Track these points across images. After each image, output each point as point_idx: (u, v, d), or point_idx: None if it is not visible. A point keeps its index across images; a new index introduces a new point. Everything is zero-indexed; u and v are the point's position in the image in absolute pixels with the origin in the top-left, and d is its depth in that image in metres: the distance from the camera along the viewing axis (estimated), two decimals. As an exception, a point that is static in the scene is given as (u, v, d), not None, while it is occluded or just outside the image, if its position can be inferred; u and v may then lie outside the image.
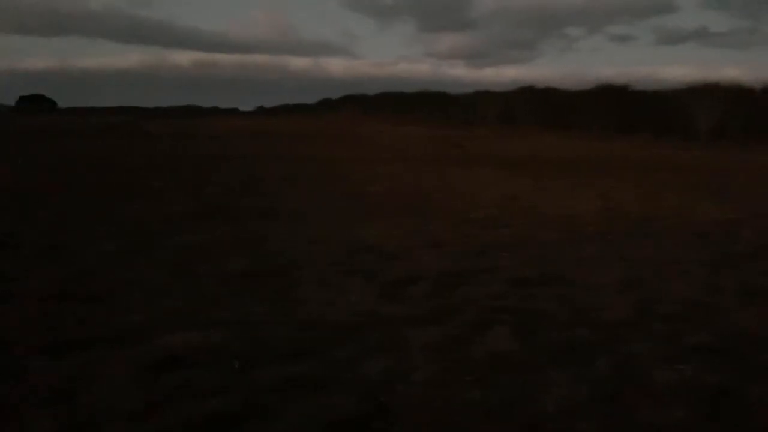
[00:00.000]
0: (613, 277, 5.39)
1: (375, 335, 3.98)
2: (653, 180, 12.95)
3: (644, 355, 3.62)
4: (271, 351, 3.72)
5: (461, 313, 4.39)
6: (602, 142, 22.73)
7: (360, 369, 3.45)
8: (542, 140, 24.27)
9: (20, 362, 3.54)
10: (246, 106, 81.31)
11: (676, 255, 6.25)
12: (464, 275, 5.46)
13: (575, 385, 3.21)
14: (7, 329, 4.07)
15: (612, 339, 3.89)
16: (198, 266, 5.77)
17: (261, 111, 74.18)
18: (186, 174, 14.01)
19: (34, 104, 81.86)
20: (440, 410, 3.00)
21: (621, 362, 3.51)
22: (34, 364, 3.52)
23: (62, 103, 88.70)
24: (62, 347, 3.76)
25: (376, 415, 2.96)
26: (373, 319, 4.30)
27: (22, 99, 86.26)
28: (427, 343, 3.81)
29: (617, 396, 3.12)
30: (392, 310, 4.48)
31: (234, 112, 77.15)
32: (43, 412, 2.94)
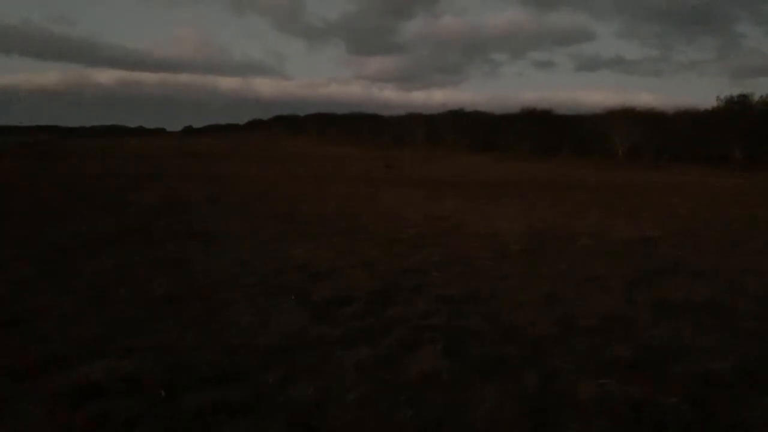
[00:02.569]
0: (537, 294, 5.54)
1: (305, 357, 3.92)
2: (574, 199, 13.48)
3: (568, 369, 3.72)
4: (196, 377, 3.59)
5: (392, 332, 4.39)
6: (526, 164, 23.51)
7: (290, 392, 3.37)
8: (469, 161, 24.88)
9: None
10: (173, 126, 79.25)
11: (596, 271, 6.49)
12: (394, 294, 5.47)
13: (503, 401, 3.26)
14: None
15: (537, 354, 3.99)
16: (118, 290, 5.52)
17: (189, 131, 72.40)
18: (108, 195, 13.46)
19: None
20: (372, 431, 2.97)
21: (547, 377, 3.60)
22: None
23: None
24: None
25: (306, 438, 2.90)
26: (303, 341, 4.24)
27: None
28: (359, 363, 3.78)
29: (544, 410, 3.18)
30: (323, 331, 4.43)
31: (161, 132, 74.97)
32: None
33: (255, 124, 60.74)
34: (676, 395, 3.35)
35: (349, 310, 4.97)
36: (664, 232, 9.12)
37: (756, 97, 25.75)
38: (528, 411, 3.16)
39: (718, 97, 24.40)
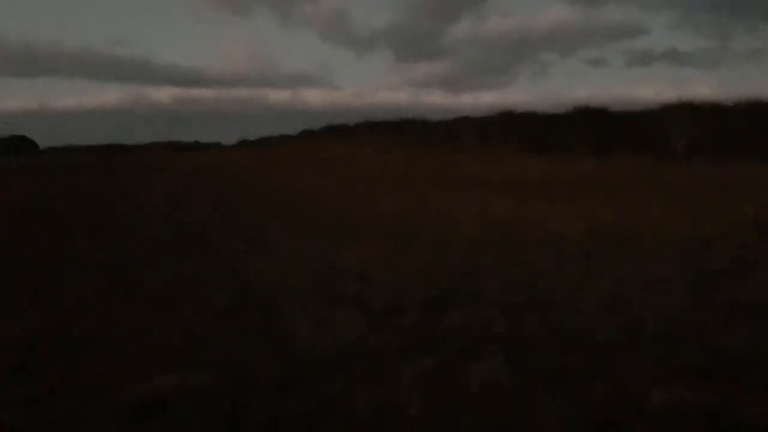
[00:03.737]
0: (599, 298, 5.36)
1: (365, 367, 3.90)
2: (633, 198, 13.06)
3: (637, 377, 3.58)
4: (259, 390, 3.62)
5: (451, 341, 4.33)
6: (581, 163, 22.98)
7: (351, 403, 3.36)
8: (522, 163, 24.48)
9: (8, 413, 3.41)
10: (228, 140, 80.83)
11: (661, 273, 6.25)
12: (451, 301, 5.41)
13: (570, 412, 3.15)
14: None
15: (603, 362, 3.85)
16: (180, 303, 5.65)
17: (244, 144, 73.90)
18: (164, 209, 13.84)
19: (15, 145, 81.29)
20: (434, 444, 2.92)
21: (614, 385, 3.46)
22: (19, 415, 3.40)
23: (43, 143, 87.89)
24: (46, 397, 3.65)
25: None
26: (361, 351, 4.22)
27: (1, 141, 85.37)
28: (418, 374, 3.74)
29: (613, 421, 3.06)
30: (381, 341, 4.41)
31: (216, 146, 76.79)
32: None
33: (306, 134, 61.40)
34: (757, 405, 3.17)
35: (406, 318, 4.93)
36: (729, 230, 8.72)
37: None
38: (597, 423, 3.05)
39: (783, 85, 23.15)
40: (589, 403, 3.26)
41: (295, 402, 3.40)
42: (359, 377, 3.74)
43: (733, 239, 8.05)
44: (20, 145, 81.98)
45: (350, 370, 3.87)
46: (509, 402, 3.32)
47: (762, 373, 3.61)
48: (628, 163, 21.93)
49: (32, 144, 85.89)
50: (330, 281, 6.28)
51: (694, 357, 3.87)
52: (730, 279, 5.94)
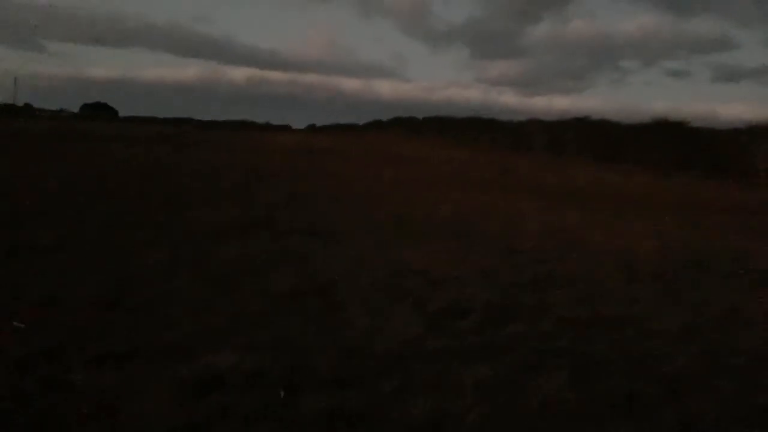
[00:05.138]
0: (671, 323, 5.09)
1: (422, 369, 3.83)
2: (710, 220, 12.42)
3: (711, 414, 3.35)
4: (314, 378, 3.61)
5: (512, 352, 4.19)
6: (655, 179, 22.08)
7: (407, 405, 3.29)
8: (592, 173, 23.72)
9: (68, 372, 3.52)
10: (298, 124, 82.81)
11: (740, 302, 5.90)
12: (514, 310, 5.26)
13: (637, 443, 2.99)
14: (55, 336, 4.09)
15: (674, 393, 3.64)
16: (243, 282, 5.73)
17: (312, 129, 75.32)
18: (235, 186, 14.15)
19: (97, 111, 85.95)
20: (491, 459, 2.82)
21: (686, 421, 3.25)
22: (81, 374, 3.51)
23: (123, 112, 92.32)
24: (108, 358, 3.76)
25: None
26: (420, 351, 4.15)
27: (85, 106, 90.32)
28: (478, 382, 3.63)
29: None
30: (440, 343, 4.32)
31: (286, 128, 78.59)
32: (87, 427, 2.89)
33: (374, 125, 61.68)
34: None
35: (467, 323, 4.82)
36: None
37: None
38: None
39: None
40: (658, 435, 3.08)
41: (350, 396, 3.36)
42: (416, 378, 3.68)
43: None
44: (101, 111, 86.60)
45: (407, 369, 3.81)
46: (571, 423, 3.17)
47: None
48: (707, 183, 20.92)
49: (113, 112, 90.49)
50: (391, 277, 6.24)
51: (776, 398, 3.61)
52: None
